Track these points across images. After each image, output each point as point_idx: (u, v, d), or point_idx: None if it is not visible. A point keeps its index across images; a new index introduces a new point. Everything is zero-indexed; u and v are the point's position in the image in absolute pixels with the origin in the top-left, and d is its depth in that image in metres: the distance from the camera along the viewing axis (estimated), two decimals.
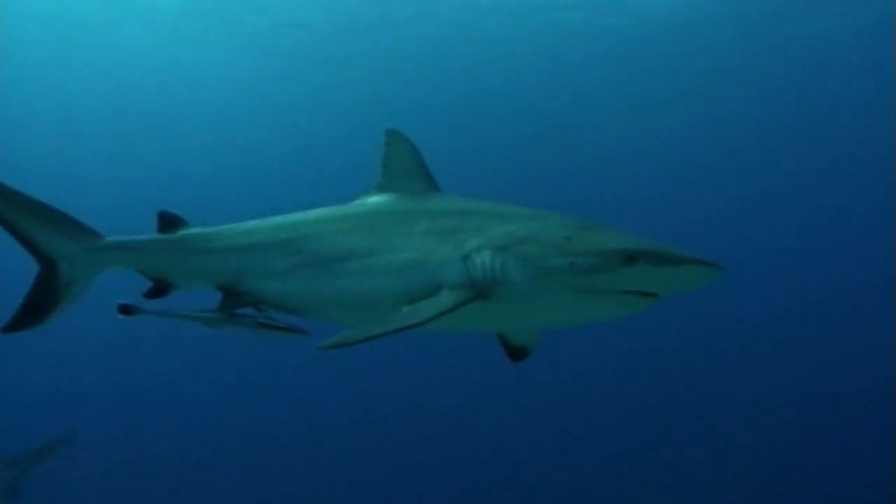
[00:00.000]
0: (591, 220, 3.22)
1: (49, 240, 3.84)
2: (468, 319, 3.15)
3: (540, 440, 15.62)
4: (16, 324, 3.82)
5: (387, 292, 3.25)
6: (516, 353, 3.79)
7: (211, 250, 3.88)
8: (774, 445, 14.80)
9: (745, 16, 17.10)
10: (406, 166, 3.77)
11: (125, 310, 3.83)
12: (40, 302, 3.84)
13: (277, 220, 3.90)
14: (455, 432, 16.26)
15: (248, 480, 15.25)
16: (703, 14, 17.13)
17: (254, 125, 23.72)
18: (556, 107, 21.88)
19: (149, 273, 3.96)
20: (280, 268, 3.63)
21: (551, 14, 17.32)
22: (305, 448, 16.16)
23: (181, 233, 3.99)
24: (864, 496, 12.56)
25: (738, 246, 20.64)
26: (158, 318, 3.84)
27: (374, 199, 3.75)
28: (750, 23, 17.41)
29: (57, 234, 3.85)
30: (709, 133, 22.68)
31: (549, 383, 15.56)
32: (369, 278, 3.33)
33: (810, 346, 19.40)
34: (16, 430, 10.86)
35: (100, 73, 21.27)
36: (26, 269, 3.84)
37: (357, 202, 3.82)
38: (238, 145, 25.09)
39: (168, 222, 4.01)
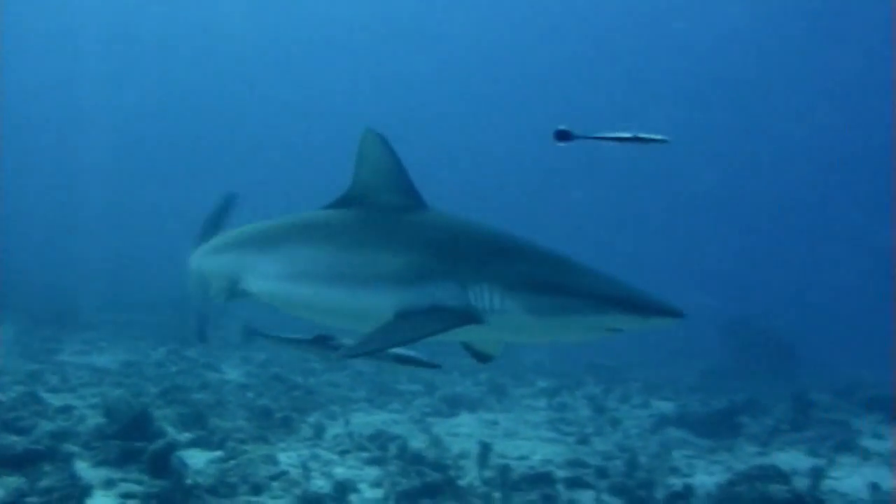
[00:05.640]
0: (572, 259, 3.39)
1: None
2: (451, 333, 3.31)
3: None
4: None
5: (378, 306, 3.40)
6: (482, 357, 3.90)
7: (217, 250, 4.54)
8: None
9: None
10: (387, 174, 3.73)
11: None
12: None
13: (268, 224, 4.26)
14: None
15: None
16: None
17: None
18: None
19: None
20: (272, 272, 3.92)
21: None
22: None
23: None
24: None
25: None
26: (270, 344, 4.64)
27: (356, 210, 3.81)
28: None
29: None
30: None
31: None
32: (363, 291, 3.52)
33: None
34: None
35: None
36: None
37: (338, 209, 3.89)
38: None
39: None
